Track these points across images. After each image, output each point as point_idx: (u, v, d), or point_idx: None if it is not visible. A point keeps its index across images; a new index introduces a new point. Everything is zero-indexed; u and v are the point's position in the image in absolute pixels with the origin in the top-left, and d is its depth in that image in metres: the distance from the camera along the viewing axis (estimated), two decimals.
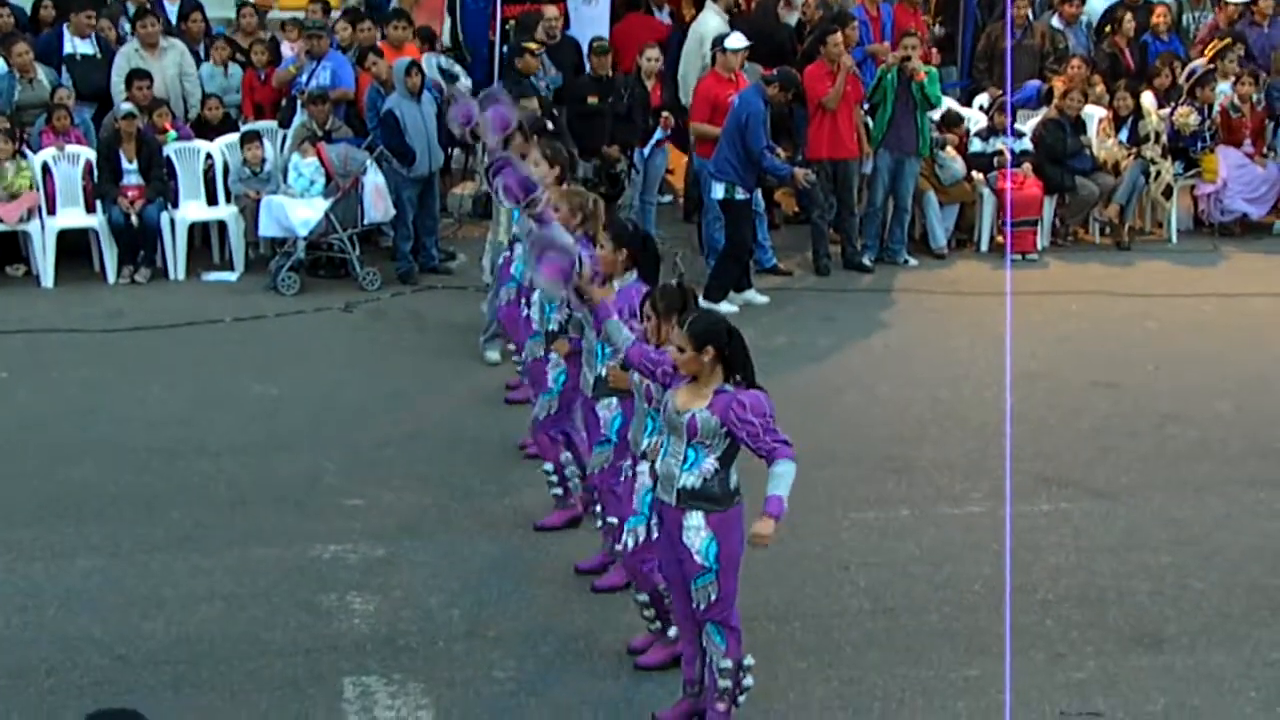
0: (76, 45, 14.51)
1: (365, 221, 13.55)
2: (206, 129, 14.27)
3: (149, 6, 14.94)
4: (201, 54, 14.95)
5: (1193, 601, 8.24)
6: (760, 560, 8.48)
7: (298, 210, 13.24)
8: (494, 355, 11.51)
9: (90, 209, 13.66)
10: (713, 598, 6.59)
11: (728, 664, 6.69)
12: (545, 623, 7.91)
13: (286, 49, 15.10)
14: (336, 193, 13.37)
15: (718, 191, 12.89)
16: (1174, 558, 8.74)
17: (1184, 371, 11.81)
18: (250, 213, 13.74)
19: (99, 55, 14.54)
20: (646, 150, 14.15)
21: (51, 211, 13.56)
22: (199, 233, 14.26)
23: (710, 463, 6.49)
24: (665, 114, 14.31)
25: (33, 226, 13.43)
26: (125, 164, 13.52)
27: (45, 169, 13.55)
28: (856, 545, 8.84)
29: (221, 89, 14.67)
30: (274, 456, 9.91)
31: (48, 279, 13.43)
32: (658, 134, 14.22)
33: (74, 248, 13.75)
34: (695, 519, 6.53)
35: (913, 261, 14.43)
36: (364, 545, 8.70)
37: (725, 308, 12.90)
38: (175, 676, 7.33)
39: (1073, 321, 12.93)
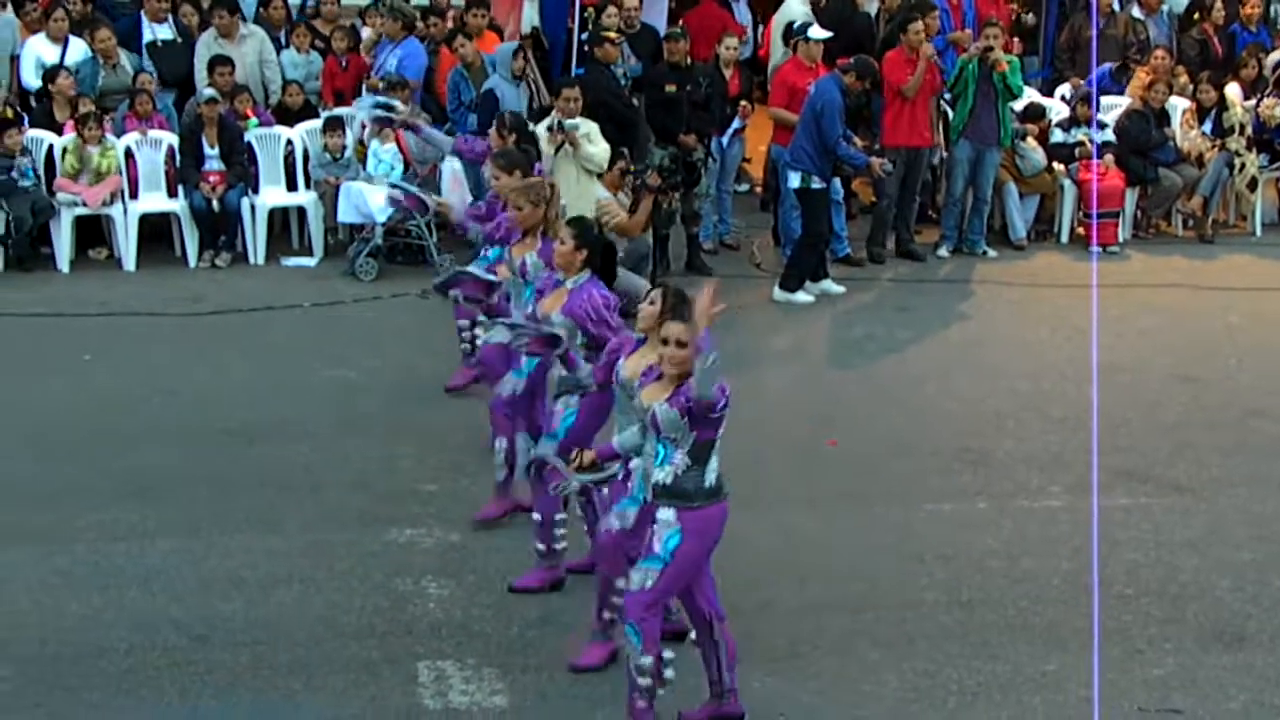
0: (156, 31, 14.64)
1: None
2: (287, 115, 14.36)
3: None
4: (282, 40, 15.04)
5: (1273, 598, 8.14)
6: (834, 550, 8.52)
7: (376, 197, 13.30)
8: None
9: (172, 193, 13.79)
10: (647, 585, 6.43)
11: (646, 661, 6.54)
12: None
13: (366, 34, 15.17)
14: (415, 179, 13.42)
15: (794, 180, 12.84)
16: (1255, 554, 8.64)
17: (1266, 366, 11.66)
18: (329, 199, 13.83)
19: (179, 41, 14.66)
20: (724, 139, 14.11)
21: (134, 195, 13.70)
22: (279, 218, 14.36)
23: (680, 457, 6.39)
24: (744, 103, 14.27)
25: (115, 210, 13.57)
26: (207, 149, 13.63)
27: (128, 153, 13.69)
28: (932, 537, 8.78)
29: (302, 76, 14.75)
30: (350, 441, 9.96)
31: (130, 262, 13.56)
32: (735, 123, 14.17)
33: (156, 232, 13.88)
34: (667, 513, 6.43)
35: (992, 253, 14.33)
36: (439, 530, 8.73)
37: (801, 297, 12.89)
38: (253, 658, 7.38)
39: (1154, 315, 12.79)
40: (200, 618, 7.74)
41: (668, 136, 13.44)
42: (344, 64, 14.84)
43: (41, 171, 13.51)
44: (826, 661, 7.37)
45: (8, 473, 9.40)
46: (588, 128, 11.85)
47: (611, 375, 7.13)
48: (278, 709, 7.00)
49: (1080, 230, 14.75)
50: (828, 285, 13.14)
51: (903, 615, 7.89)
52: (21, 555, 8.35)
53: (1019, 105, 14.56)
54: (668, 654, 6.62)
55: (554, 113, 12.02)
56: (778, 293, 12.97)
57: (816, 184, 12.71)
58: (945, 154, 14.29)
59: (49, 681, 7.15)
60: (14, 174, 13.12)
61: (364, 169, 13.66)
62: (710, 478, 6.45)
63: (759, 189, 15.66)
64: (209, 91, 13.88)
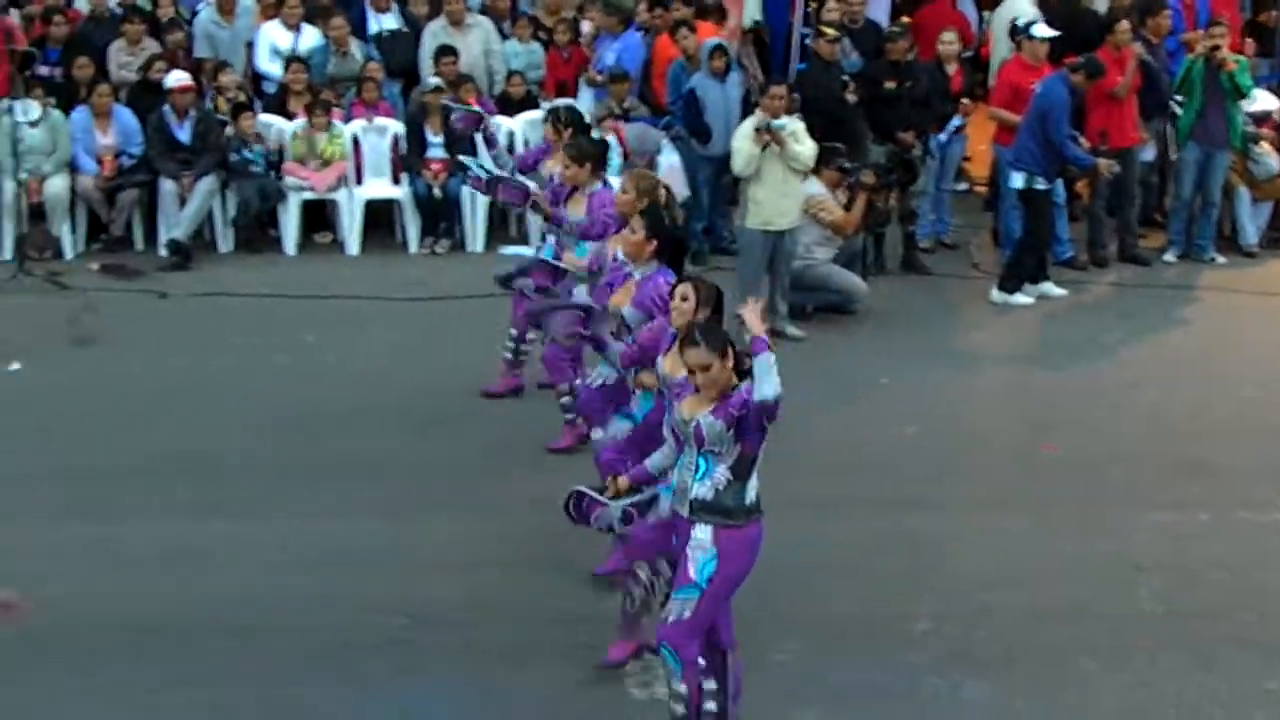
0: (381, 22, 14.91)
1: None
2: (509, 105, 14.52)
3: None
4: (506, 30, 15.22)
5: None
6: (1052, 557, 8.37)
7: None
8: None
9: (396, 180, 14.04)
10: (685, 615, 6.23)
11: (681, 689, 6.35)
12: (826, 606, 7.85)
13: (586, 29, 15.28)
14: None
15: (1017, 181, 12.63)
16: None
17: None
18: None
19: (405, 30, 14.92)
20: (943, 137, 13.92)
21: (359, 182, 13.98)
22: (498, 207, 14.50)
23: (722, 472, 6.17)
24: (965, 100, 14.07)
25: (341, 195, 13.85)
26: (430, 137, 13.84)
27: (355, 140, 13.97)
28: (1150, 547, 8.57)
29: (523, 65, 14.90)
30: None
31: (353, 247, 13.84)
32: (956, 120, 13.97)
33: (379, 218, 14.13)
34: (703, 533, 6.21)
35: (1220, 259, 13.92)
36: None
37: (1020, 299, 12.69)
38: (464, 641, 7.47)
39: None
40: (413, 598, 7.86)
41: (886, 134, 13.32)
42: (566, 56, 14.96)
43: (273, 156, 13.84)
44: (1041, 670, 7.23)
45: (231, 448, 9.64)
46: (794, 126, 11.76)
47: (640, 359, 7.04)
48: (487, 691, 7.09)
49: None
50: (1048, 288, 12.91)
51: (1120, 625, 7.71)
52: (244, 530, 8.56)
53: (1252, 107, 14.12)
54: (709, 685, 6.44)
55: (758, 111, 11.89)
56: (996, 294, 12.77)
57: (1041, 185, 12.49)
58: (1174, 156, 13.95)
59: (265, 654, 7.33)
60: (246, 156, 13.47)
61: None
62: (750, 494, 6.25)
63: (978, 188, 15.43)
64: (434, 80, 14.09)
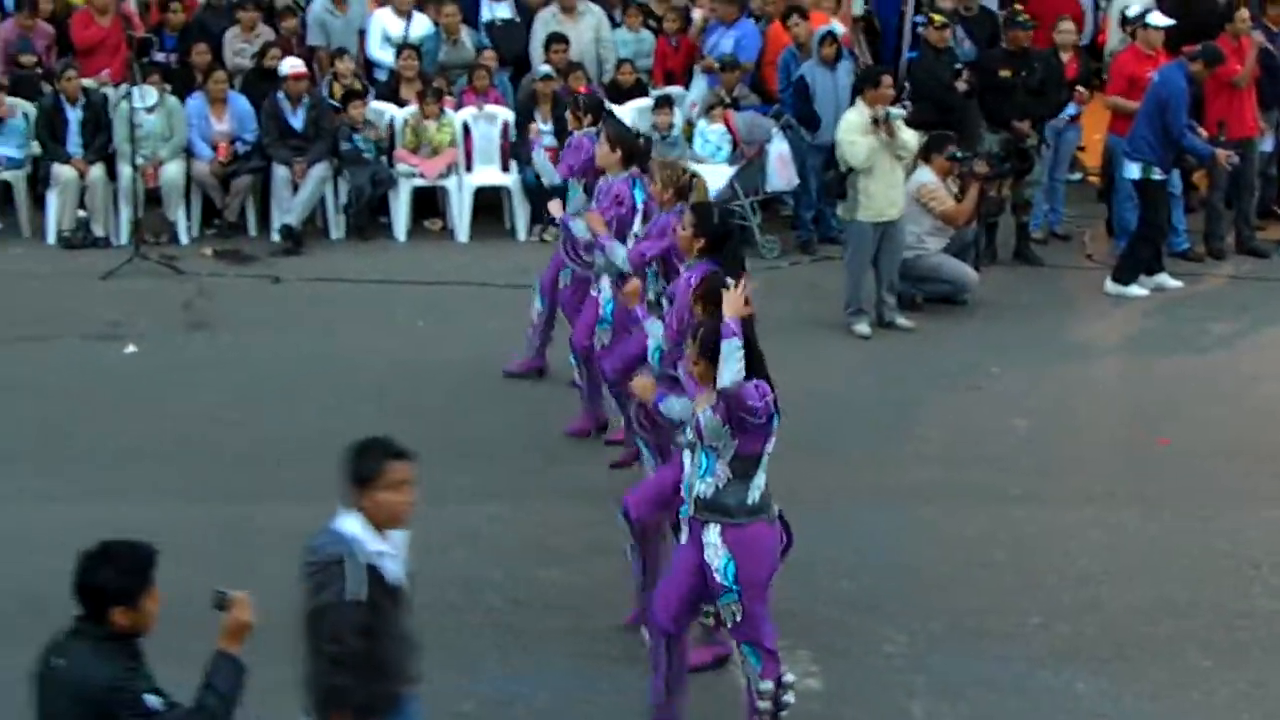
0: (494, 10, 14.96)
1: (768, 189, 13.59)
2: (619, 93, 14.51)
3: None
4: (617, 18, 15.22)
5: None
6: (1164, 552, 8.26)
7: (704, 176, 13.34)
8: (863, 328, 11.49)
9: (505, 168, 14.08)
10: (738, 618, 6.27)
11: (766, 685, 6.35)
12: (936, 599, 7.79)
13: (696, 16, 15.23)
14: (741, 159, 13.45)
15: (1133, 171, 12.47)
16: None
17: None
18: None
19: (517, 20, 14.96)
20: (1059, 125, 13.73)
21: (469, 169, 14.04)
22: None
23: (722, 469, 6.17)
24: (1080, 89, 13.89)
25: (451, 182, 13.92)
26: (540, 125, 13.85)
27: (465, 128, 14.03)
28: (1268, 543, 8.44)
29: (634, 54, 14.90)
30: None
31: (462, 234, 13.90)
32: (1070, 109, 13.79)
33: (488, 205, 14.18)
34: (712, 534, 6.22)
35: None
36: None
37: (1135, 291, 12.52)
38: (569, 624, 7.51)
39: None
40: (520, 582, 7.92)
41: (1000, 122, 13.18)
42: (675, 44, 14.94)
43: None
44: (1153, 666, 7.14)
45: (342, 432, 9.55)
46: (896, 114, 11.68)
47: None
48: (593, 677, 7.12)
49: None
50: (1163, 279, 12.73)
51: (1234, 622, 7.61)
52: None
53: None
54: (788, 677, 6.44)
55: (858, 103, 11.71)
56: (1110, 285, 12.61)
57: (1157, 175, 12.32)
58: None
59: None
60: (357, 143, 13.57)
61: (691, 148, 13.73)
62: (754, 495, 6.23)
63: (1093, 178, 15.24)
64: (544, 68, 14.13)
